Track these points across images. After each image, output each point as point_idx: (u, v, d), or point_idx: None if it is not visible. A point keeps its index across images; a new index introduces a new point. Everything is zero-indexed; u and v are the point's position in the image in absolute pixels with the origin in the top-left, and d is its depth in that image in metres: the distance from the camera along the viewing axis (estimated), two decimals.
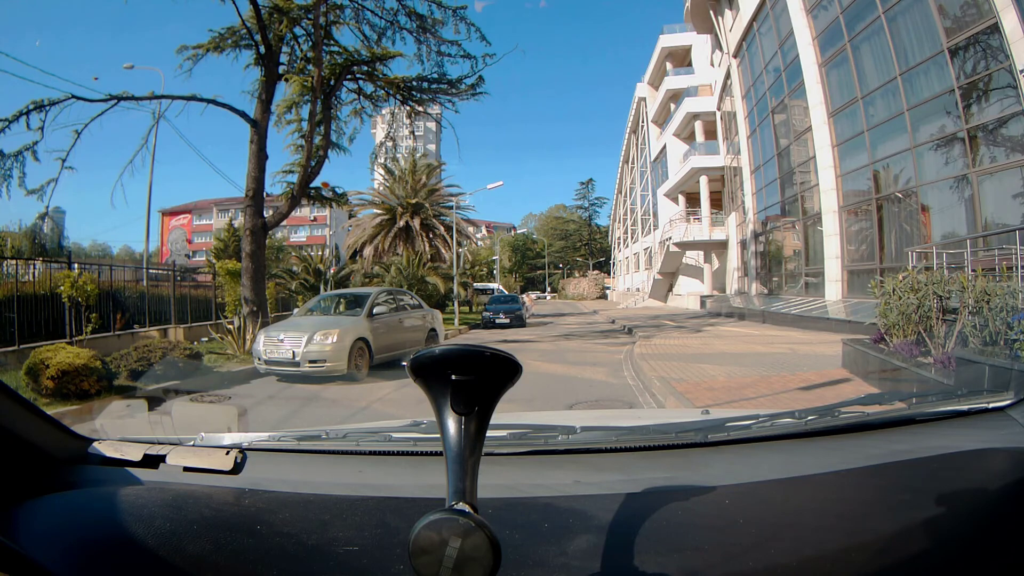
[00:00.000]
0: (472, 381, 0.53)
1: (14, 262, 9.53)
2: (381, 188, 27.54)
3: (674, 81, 29.73)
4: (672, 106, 29.82)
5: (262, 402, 6.09)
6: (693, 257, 28.09)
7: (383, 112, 13.02)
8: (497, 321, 17.65)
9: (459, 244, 23.58)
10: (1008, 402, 0.97)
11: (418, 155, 27.67)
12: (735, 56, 20.16)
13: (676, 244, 26.77)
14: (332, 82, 10.97)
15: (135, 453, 0.96)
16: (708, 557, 0.65)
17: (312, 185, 11.18)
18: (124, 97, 9.24)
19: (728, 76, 21.28)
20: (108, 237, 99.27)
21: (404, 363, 0.55)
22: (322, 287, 14.67)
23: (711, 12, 21.50)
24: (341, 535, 0.72)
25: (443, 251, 24.89)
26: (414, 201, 25.69)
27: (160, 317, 10.97)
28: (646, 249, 35.95)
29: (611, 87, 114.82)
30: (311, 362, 6.96)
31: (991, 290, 4.66)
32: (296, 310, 9.91)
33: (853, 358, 6.24)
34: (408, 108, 12.12)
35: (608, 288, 52.49)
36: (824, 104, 14.11)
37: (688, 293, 27.56)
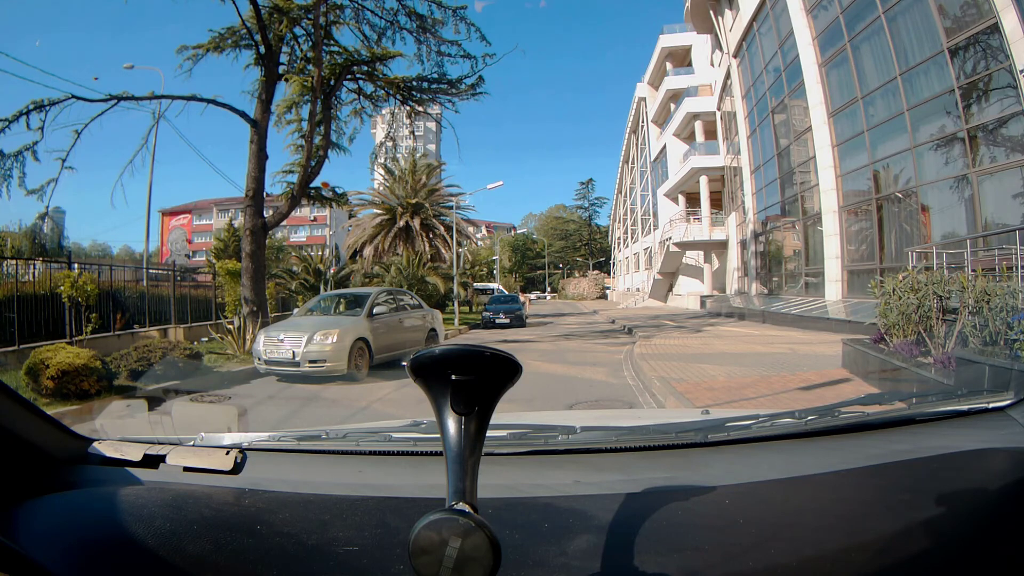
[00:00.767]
0: (472, 381, 0.53)
1: (14, 262, 9.53)
2: (381, 188, 27.55)
3: (674, 81, 29.73)
4: (672, 106, 29.82)
5: (262, 402, 6.09)
6: (693, 257, 28.09)
7: (383, 112, 13.02)
8: (497, 321, 17.65)
9: (459, 244, 23.58)
10: (1008, 402, 0.97)
11: (418, 155, 27.68)
12: (735, 56, 20.16)
13: (676, 244, 26.77)
14: (332, 82, 10.97)
15: (135, 453, 0.96)
16: (708, 557, 0.65)
17: (312, 185, 11.18)
18: (124, 97, 9.24)
19: (728, 76, 21.28)
20: (108, 237, 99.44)
21: (404, 363, 0.55)
22: (322, 287, 14.67)
23: (711, 12, 21.50)
24: (341, 535, 0.72)
25: (443, 251, 24.90)
26: (414, 201, 25.69)
27: (160, 317, 10.97)
28: (646, 249, 35.95)
29: (611, 87, 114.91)
30: (311, 362, 6.96)
31: (991, 290, 4.66)
32: (296, 310, 9.91)
33: (853, 358, 6.24)
34: (408, 108, 12.12)
35: (608, 288, 52.48)
36: (824, 104, 14.11)
37: (688, 293, 27.56)
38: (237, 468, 0.93)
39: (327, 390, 6.60)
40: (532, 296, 45.61)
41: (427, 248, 24.61)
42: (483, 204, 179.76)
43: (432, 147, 50.26)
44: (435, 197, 26.81)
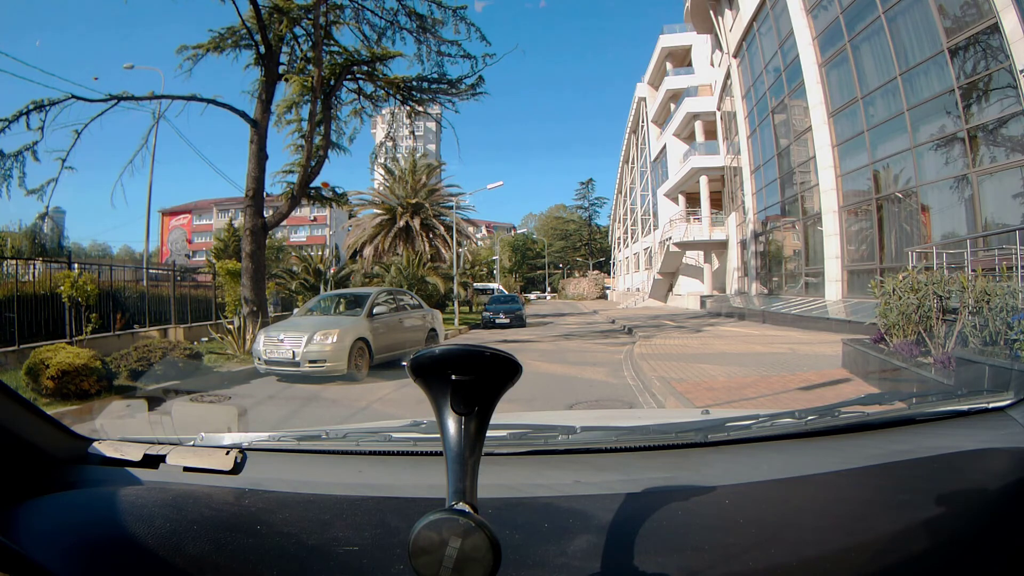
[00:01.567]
0: (472, 381, 0.53)
1: (14, 262, 9.53)
2: (381, 188, 27.54)
3: (674, 81, 29.73)
4: (672, 106, 29.82)
5: (262, 402, 6.09)
6: (693, 257, 28.09)
7: (383, 112, 13.02)
8: (497, 321, 17.65)
9: (459, 244, 23.58)
10: (1008, 402, 0.97)
11: (418, 155, 27.67)
12: (735, 56, 20.16)
13: (676, 244, 26.77)
14: (332, 82, 10.97)
15: (135, 453, 0.96)
16: (708, 557, 0.65)
17: (312, 185, 11.18)
18: (124, 97, 9.24)
19: (728, 76, 21.28)
20: (108, 237, 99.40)
21: (404, 363, 0.55)
22: (322, 287, 14.68)
23: (711, 12, 21.50)
24: (341, 535, 0.72)
25: (443, 251, 24.90)
26: (414, 201, 25.69)
27: (160, 317, 10.97)
28: (646, 249, 35.95)
29: (611, 87, 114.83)
30: (311, 362, 6.96)
31: (991, 290, 4.66)
32: (296, 310, 9.91)
33: (853, 358, 6.24)
34: (408, 108, 12.12)
35: (608, 288, 52.48)
36: (824, 104, 14.11)
37: (688, 293, 27.56)
38: (237, 468, 0.93)
39: (327, 390, 6.59)
40: (531, 297, 45.61)
41: (427, 248, 24.61)
42: (483, 204, 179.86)
43: (432, 147, 50.24)
44: (435, 197, 26.81)
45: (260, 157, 10.08)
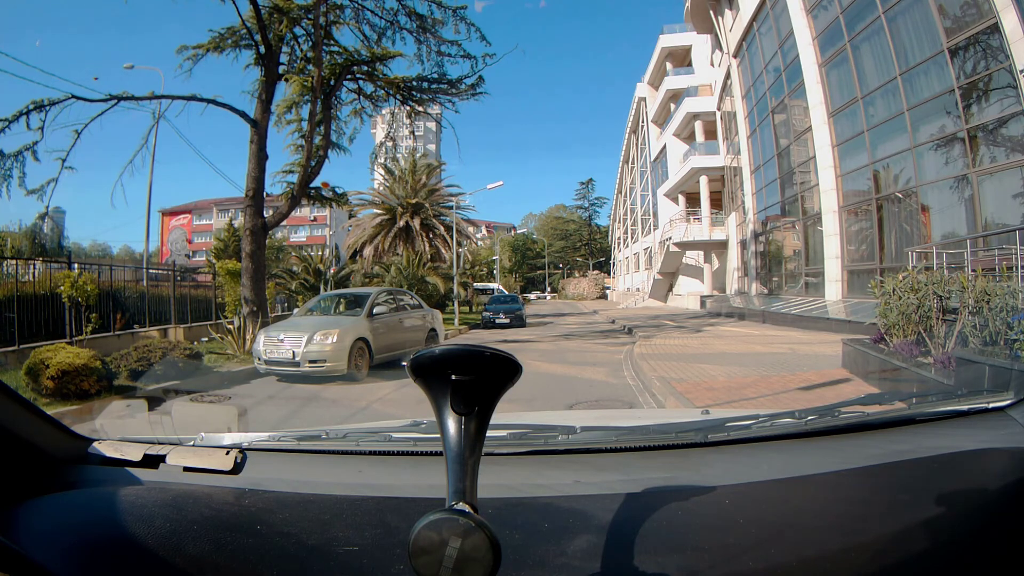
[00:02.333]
0: (472, 381, 0.53)
1: (14, 262, 9.53)
2: (381, 188, 27.55)
3: (674, 81, 29.72)
4: (672, 106, 29.82)
5: (262, 402, 6.09)
6: (693, 257, 28.09)
7: (383, 112, 13.02)
8: (497, 321, 17.64)
9: (459, 244, 23.58)
10: (1008, 402, 0.97)
11: (418, 155, 27.67)
12: (735, 56, 20.16)
13: (676, 244, 26.77)
14: (332, 82, 10.97)
15: (135, 453, 0.96)
16: (708, 557, 0.65)
17: (312, 185, 11.18)
18: (124, 97, 9.24)
19: (728, 76, 21.28)
20: (108, 237, 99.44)
21: (404, 363, 0.55)
22: (322, 287, 14.68)
23: (711, 12, 21.50)
24: (341, 535, 0.72)
25: (443, 251, 24.90)
26: (414, 201, 25.69)
27: (160, 317, 10.97)
28: (646, 249, 35.95)
29: (611, 87, 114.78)
30: (311, 362, 6.96)
31: (991, 290, 4.66)
32: (296, 310, 9.91)
33: (853, 358, 6.24)
34: (408, 108, 12.12)
35: (608, 288, 52.48)
36: (824, 104, 14.11)
37: (688, 293, 27.56)
38: (237, 468, 0.93)
39: (327, 390, 6.59)
40: (532, 296, 45.58)
41: (427, 248, 24.61)
42: (483, 204, 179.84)
43: (432, 147, 50.24)
44: (435, 197, 26.81)
45: (260, 157, 10.08)
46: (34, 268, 10.41)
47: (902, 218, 11.84)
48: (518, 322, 17.67)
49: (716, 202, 25.39)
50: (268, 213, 10.64)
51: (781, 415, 1.04)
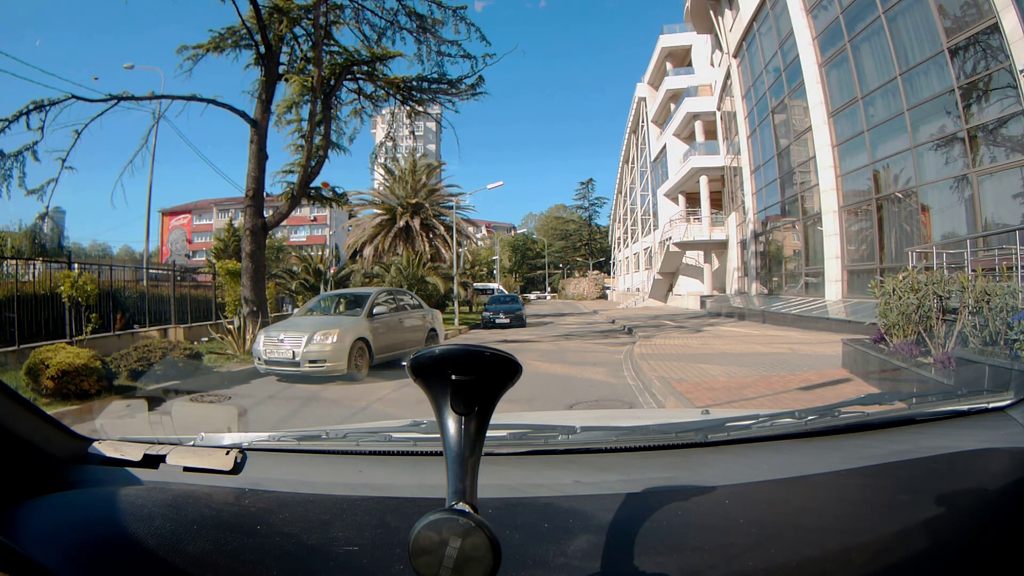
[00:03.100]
0: (472, 381, 0.53)
1: (14, 262, 9.53)
2: (381, 188, 27.55)
3: (674, 81, 29.73)
4: (672, 106, 29.82)
5: (262, 402, 6.09)
6: (693, 257, 28.09)
7: (383, 112, 13.02)
8: (497, 321, 17.64)
9: (459, 244, 23.57)
10: (1008, 402, 0.97)
11: (418, 155, 27.68)
12: (735, 56, 20.16)
13: (676, 244, 26.77)
14: (332, 82, 10.97)
15: (135, 453, 0.96)
16: (708, 557, 0.65)
17: (312, 185, 11.18)
18: (124, 97, 9.23)
19: (728, 76, 21.28)
20: (108, 237, 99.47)
21: (404, 363, 0.55)
22: (322, 287, 14.67)
23: (711, 12, 21.50)
24: (341, 535, 0.72)
25: (443, 251, 24.90)
26: (414, 201, 25.69)
27: (160, 317, 10.97)
28: (646, 249, 35.95)
29: (611, 87, 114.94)
30: (311, 362, 6.96)
31: (991, 290, 4.66)
32: (296, 310, 9.91)
33: (853, 358, 6.24)
34: (408, 108, 12.12)
35: (608, 288, 52.48)
36: (824, 104, 14.11)
37: (688, 293, 27.56)
38: (237, 468, 0.93)
39: (327, 390, 6.59)
40: (532, 296, 45.60)
41: (427, 248, 24.61)
42: (483, 204, 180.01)
43: (432, 147, 50.24)
44: (435, 197, 26.82)
45: (260, 157, 10.08)
46: (34, 268, 10.41)
47: (902, 218, 11.84)
48: (518, 322, 17.66)
49: (716, 202, 25.39)
50: (268, 213, 10.64)
51: (781, 415, 1.04)
